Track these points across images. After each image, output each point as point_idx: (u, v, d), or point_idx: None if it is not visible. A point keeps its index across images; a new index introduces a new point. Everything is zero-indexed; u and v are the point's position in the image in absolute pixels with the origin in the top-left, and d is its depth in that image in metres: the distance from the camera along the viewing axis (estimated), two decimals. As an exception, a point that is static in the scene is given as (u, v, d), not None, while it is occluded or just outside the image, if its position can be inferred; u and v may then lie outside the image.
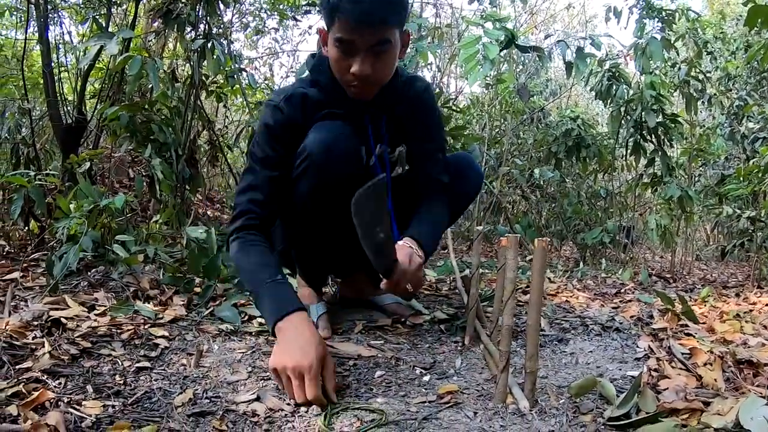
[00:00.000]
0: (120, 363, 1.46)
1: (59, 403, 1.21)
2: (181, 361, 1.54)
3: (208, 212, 3.73)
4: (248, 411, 1.29)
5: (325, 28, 1.62)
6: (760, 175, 3.10)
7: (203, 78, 3.18)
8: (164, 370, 1.47)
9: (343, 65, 1.58)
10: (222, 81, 3.55)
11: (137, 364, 1.47)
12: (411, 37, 1.91)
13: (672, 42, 4.19)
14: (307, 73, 1.80)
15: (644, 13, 4.19)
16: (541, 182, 4.73)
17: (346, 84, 1.63)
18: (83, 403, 1.22)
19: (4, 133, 3.72)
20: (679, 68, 4.56)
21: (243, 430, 1.21)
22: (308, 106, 1.68)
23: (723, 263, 4.91)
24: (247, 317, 1.91)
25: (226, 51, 3.18)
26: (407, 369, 1.58)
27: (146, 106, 2.96)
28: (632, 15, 4.28)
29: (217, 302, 2.04)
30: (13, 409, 1.14)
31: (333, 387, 1.38)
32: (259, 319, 1.91)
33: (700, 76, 4.49)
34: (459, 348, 1.76)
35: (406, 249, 1.66)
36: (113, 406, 1.23)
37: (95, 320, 1.70)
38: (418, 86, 1.85)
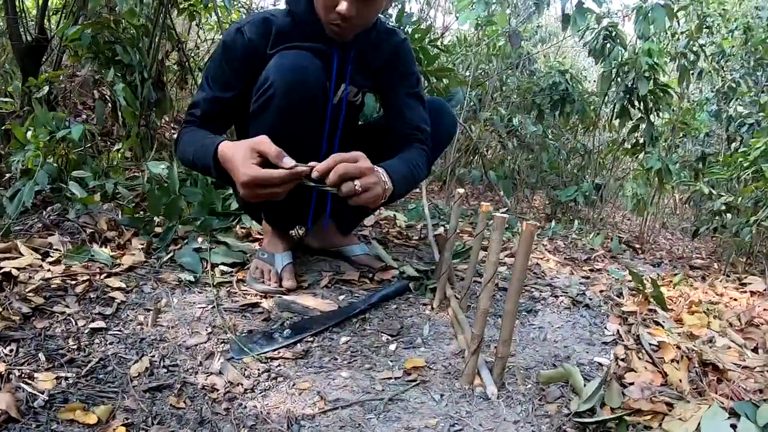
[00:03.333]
0: (74, 322, 1.41)
1: (10, 376, 1.16)
2: (138, 318, 1.49)
3: (175, 136, 3.58)
4: (207, 385, 1.26)
5: None
6: (744, 165, 3.05)
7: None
8: (120, 331, 1.42)
9: (329, 2, 1.54)
10: (195, -2, 3.35)
11: (92, 324, 1.41)
12: None
13: (675, 12, 4.09)
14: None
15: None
16: (521, 131, 4.67)
17: (328, 22, 1.59)
18: (35, 375, 1.18)
19: (-46, 57, 3.46)
20: (678, 39, 4.46)
21: (202, 408, 1.18)
22: (273, 35, 1.63)
23: (689, 237, 5.02)
24: (208, 265, 1.85)
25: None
26: (373, 335, 1.56)
27: (111, 25, 2.78)
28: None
29: (179, 246, 1.98)
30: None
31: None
32: (221, 267, 1.87)
33: (695, 48, 4.40)
34: (427, 312, 1.73)
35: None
36: (66, 378, 1.19)
37: (48, 270, 1.63)
38: (395, 38, 1.83)
